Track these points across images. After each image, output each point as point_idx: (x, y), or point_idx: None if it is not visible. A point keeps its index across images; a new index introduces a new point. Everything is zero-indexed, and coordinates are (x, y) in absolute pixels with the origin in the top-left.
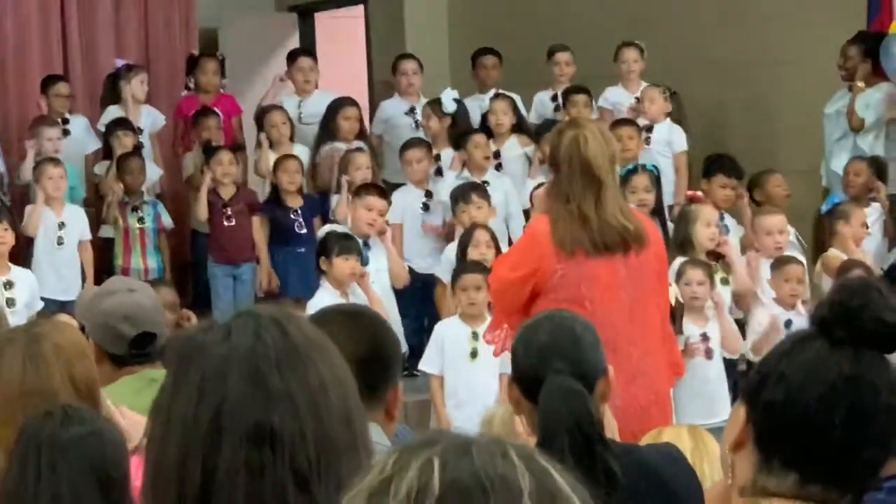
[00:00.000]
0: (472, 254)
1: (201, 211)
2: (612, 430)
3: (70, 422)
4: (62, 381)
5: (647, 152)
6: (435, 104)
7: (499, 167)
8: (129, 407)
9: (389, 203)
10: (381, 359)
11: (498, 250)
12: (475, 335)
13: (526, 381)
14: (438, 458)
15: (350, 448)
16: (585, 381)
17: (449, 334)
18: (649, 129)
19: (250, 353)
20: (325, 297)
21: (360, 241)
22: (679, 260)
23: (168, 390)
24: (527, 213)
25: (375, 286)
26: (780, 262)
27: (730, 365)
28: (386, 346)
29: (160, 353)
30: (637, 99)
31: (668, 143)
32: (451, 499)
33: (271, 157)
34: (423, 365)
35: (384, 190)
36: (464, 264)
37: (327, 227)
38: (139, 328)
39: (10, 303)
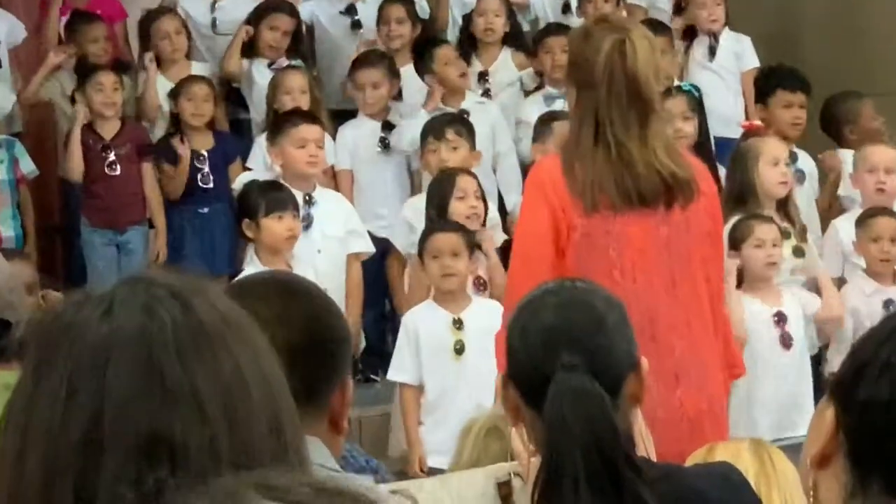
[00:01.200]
0: (459, 208)
1: (76, 160)
2: (646, 445)
3: None
4: None
5: (704, 71)
6: (408, 5)
7: (487, 93)
8: None
9: (323, 128)
10: (323, 348)
11: (485, 205)
12: (458, 323)
13: (526, 381)
14: None
15: (278, 457)
16: (608, 379)
17: (423, 326)
18: (714, 36)
19: (140, 334)
20: None
21: (301, 195)
22: (735, 218)
23: (25, 390)
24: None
25: (323, 258)
26: (865, 216)
27: (814, 361)
28: (330, 330)
29: (16, 349)
30: None
31: (735, 57)
32: None
33: (161, 82)
34: (394, 373)
35: (313, 115)
36: (435, 221)
37: (245, 177)
38: None
39: None
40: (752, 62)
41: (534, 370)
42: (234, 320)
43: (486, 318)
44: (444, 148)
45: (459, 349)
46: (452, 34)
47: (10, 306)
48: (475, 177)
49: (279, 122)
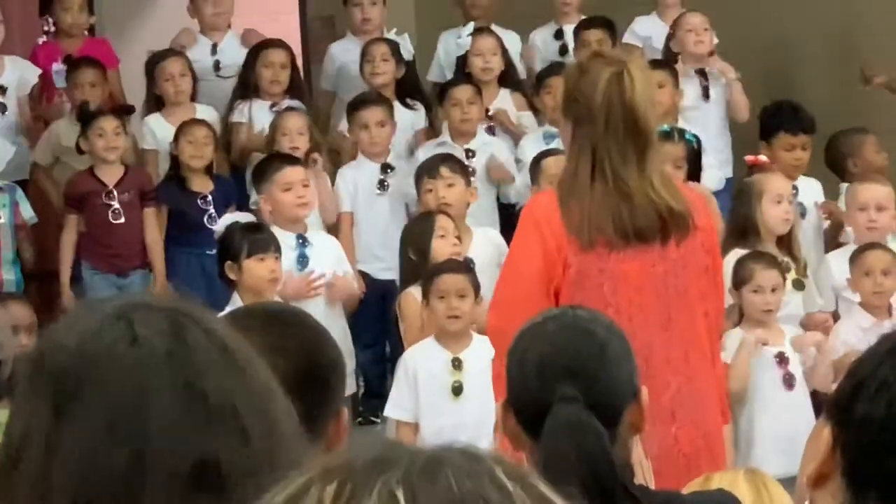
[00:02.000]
0: (441, 247)
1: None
2: (644, 473)
3: None
4: None
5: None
6: (392, 44)
7: (491, 132)
8: None
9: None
10: (320, 377)
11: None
12: (457, 363)
13: (525, 409)
14: (402, 487)
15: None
16: (607, 409)
17: (422, 365)
18: (703, 74)
19: (174, 358)
20: None
21: (295, 237)
22: (736, 253)
23: (42, 427)
24: None
25: (319, 298)
26: (858, 251)
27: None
28: (326, 359)
29: (4, 387)
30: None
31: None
32: None
33: (162, 124)
34: (391, 409)
35: (293, 157)
36: (440, 263)
37: (227, 219)
38: None
39: None
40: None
41: (533, 399)
42: (243, 344)
43: (486, 357)
44: (440, 185)
45: (457, 389)
46: (434, 73)
47: None
48: (452, 218)
49: (261, 168)
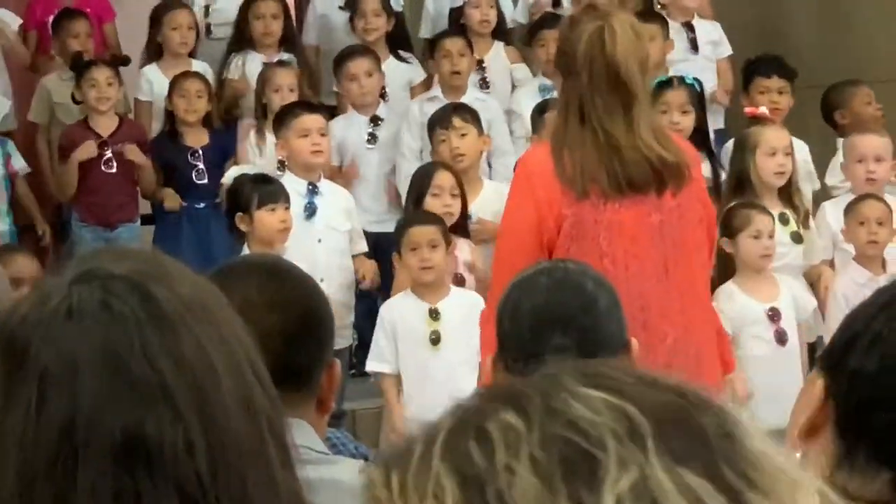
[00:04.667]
0: (433, 205)
1: (71, 182)
2: None
3: None
4: None
5: (690, 61)
6: None
7: (484, 84)
8: None
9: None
10: (311, 331)
11: (464, 202)
12: (434, 313)
13: (515, 363)
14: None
15: (256, 445)
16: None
17: (400, 317)
18: (690, 27)
19: (104, 334)
20: None
21: (306, 185)
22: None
23: None
24: None
25: (322, 248)
26: (854, 201)
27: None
28: (319, 315)
29: None
30: None
31: (713, 46)
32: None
33: (159, 76)
34: (371, 362)
35: (313, 104)
36: (413, 213)
37: (235, 171)
38: None
39: None
40: (727, 50)
41: (524, 351)
42: (199, 304)
43: (464, 308)
44: (453, 136)
45: (435, 339)
46: (426, 29)
47: None
48: (455, 174)
49: (281, 114)
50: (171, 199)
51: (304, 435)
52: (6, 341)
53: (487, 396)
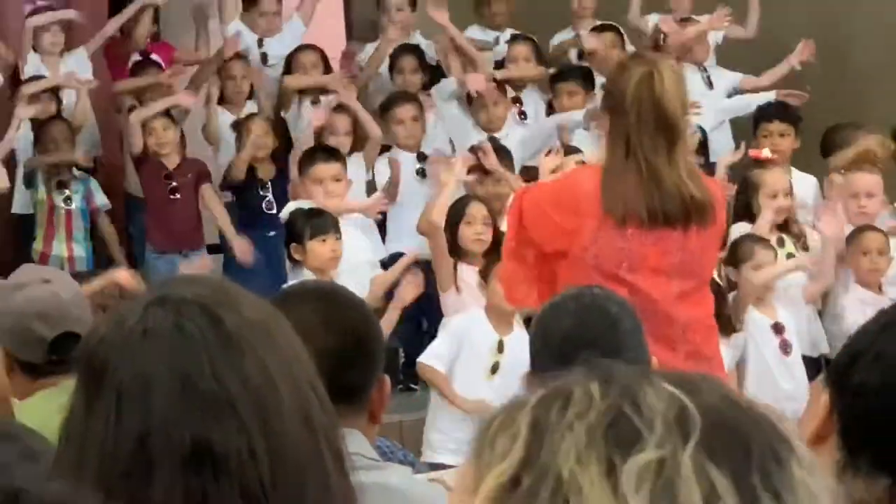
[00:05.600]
0: (466, 232)
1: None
2: None
3: None
4: None
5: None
6: (418, 52)
7: (523, 115)
8: (45, 430)
9: (342, 163)
10: (364, 351)
11: (497, 231)
12: (500, 346)
13: (546, 378)
14: (671, 384)
15: (314, 455)
16: None
17: (471, 335)
18: (703, 67)
19: (176, 354)
20: None
21: None
22: (740, 227)
23: (78, 410)
24: None
25: (347, 272)
26: (855, 232)
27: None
28: (370, 334)
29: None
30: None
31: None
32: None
33: (222, 117)
34: (428, 357)
35: (331, 149)
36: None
37: (291, 205)
38: (58, 328)
39: None
40: (740, 74)
41: (555, 371)
42: (262, 326)
43: (524, 347)
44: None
45: (494, 369)
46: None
47: (79, 321)
48: (485, 205)
49: (302, 159)
50: None
51: (357, 443)
52: (87, 359)
53: (590, 371)
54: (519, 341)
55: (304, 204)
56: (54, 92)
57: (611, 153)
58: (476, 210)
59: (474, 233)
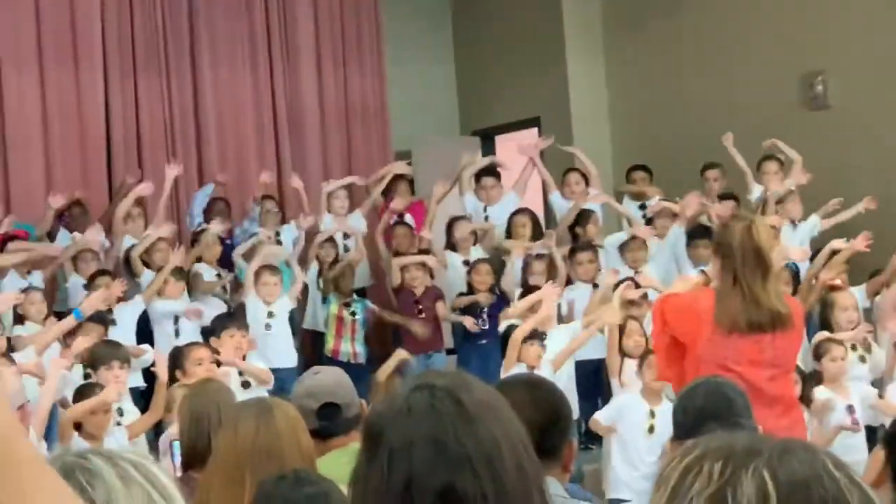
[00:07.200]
0: (628, 343)
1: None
2: None
3: (301, 483)
4: (289, 446)
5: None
6: None
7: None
8: (335, 477)
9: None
10: (558, 423)
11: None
12: (653, 413)
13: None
14: (766, 468)
15: (525, 494)
16: None
17: (630, 405)
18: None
19: (430, 426)
20: None
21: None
22: (820, 335)
23: (362, 464)
24: None
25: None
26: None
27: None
28: (562, 411)
29: (351, 424)
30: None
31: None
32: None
33: (451, 259)
34: (598, 414)
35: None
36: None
37: (506, 323)
38: (319, 400)
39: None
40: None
41: (690, 435)
42: (489, 402)
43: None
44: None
45: (651, 429)
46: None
47: (336, 395)
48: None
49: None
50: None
51: (554, 486)
52: (368, 428)
53: (716, 448)
54: (667, 410)
55: (515, 321)
56: (334, 240)
57: (723, 281)
58: (633, 327)
59: (633, 342)
